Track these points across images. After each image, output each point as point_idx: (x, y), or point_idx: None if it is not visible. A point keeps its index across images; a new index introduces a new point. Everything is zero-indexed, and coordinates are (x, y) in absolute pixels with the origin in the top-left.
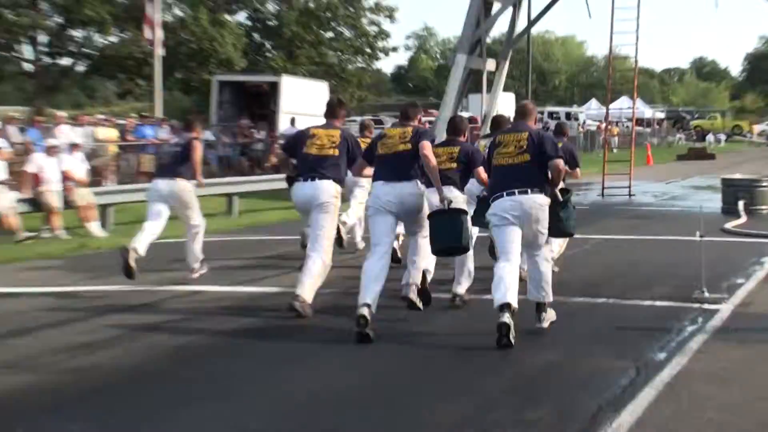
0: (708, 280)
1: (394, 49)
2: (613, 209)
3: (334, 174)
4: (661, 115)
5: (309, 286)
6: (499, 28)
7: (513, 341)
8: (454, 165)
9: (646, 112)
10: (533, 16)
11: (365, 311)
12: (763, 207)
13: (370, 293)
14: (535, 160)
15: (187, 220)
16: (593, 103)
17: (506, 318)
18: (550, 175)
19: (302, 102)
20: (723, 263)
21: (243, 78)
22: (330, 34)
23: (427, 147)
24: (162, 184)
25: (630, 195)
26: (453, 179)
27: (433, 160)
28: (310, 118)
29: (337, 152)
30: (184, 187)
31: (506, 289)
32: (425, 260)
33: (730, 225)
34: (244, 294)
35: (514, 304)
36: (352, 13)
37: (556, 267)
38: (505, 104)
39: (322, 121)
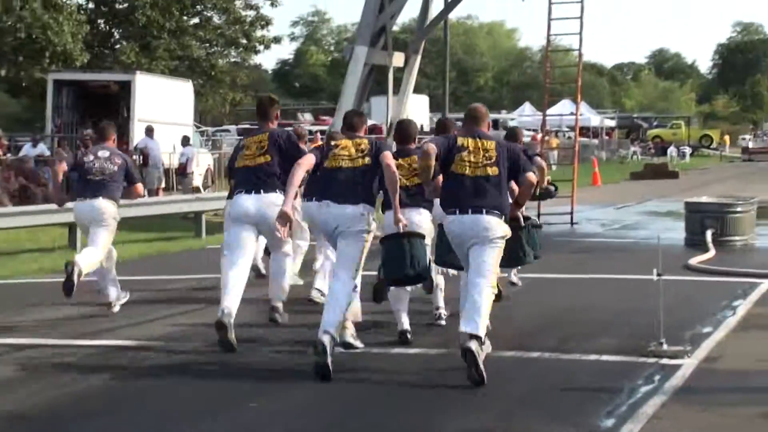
0: (667, 330)
1: (277, 40)
2: (551, 241)
3: (277, 185)
4: (612, 123)
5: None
6: (408, 13)
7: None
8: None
9: (593, 119)
10: None
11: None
12: (736, 238)
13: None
14: (502, 174)
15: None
16: (527, 107)
17: (473, 345)
18: (519, 191)
19: (161, 106)
20: (686, 308)
21: (86, 76)
22: (195, 21)
23: (389, 157)
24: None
25: (572, 223)
26: (422, 196)
27: (396, 174)
28: (172, 126)
29: (269, 158)
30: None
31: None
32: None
33: (695, 261)
34: (92, 348)
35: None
36: None
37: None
38: (416, 109)
39: (188, 130)
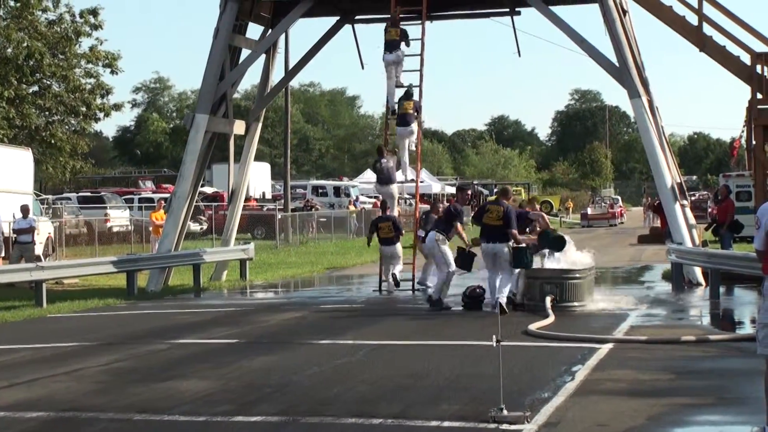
0: (507, 395)
1: (117, 107)
2: (393, 307)
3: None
4: (452, 190)
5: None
6: (250, 80)
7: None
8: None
9: (434, 185)
10: (292, 65)
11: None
12: (575, 303)
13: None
14: (503, 225)
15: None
16: (368, 174)
17: (503, 301)
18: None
19: (0, 175)
20: (526, 373)
21: None
22: (34, 89)
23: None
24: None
25: (414, 289)
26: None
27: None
28: (11, 195)
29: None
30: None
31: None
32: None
33: (534, 326)
34: None
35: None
36: (61, 62)
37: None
38: (258, 176)
39: (27, 198)
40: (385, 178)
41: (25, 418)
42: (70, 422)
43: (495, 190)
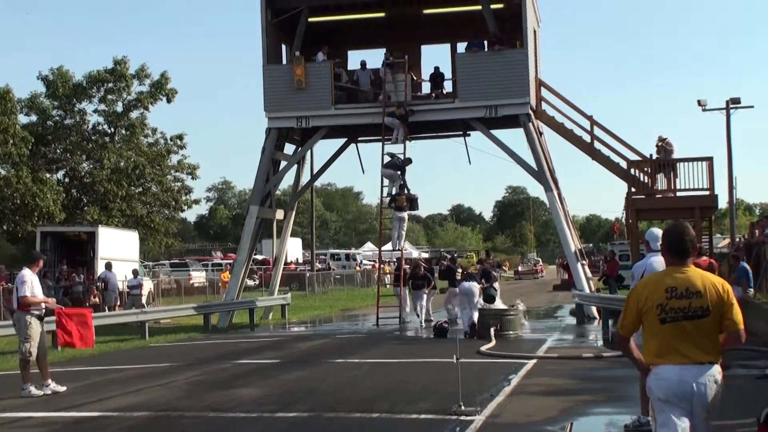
0: (464, 396)
1: (196, 202)
2: (386, 336)
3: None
4: (426, 255)
5: None
6: (287, 181)
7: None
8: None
9: (414, 252)
10: (315, 171)
11: None
12: (511, 332)
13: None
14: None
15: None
16: (368, 245)
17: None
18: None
19: (116, 249)
20: (477, 381)
21: (63, 229)
22: (139, 190)
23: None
24: None
25: (401, 323)
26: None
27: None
28: (124, 263)
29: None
30: None
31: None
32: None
33: (483, 348)
34: (69, 419)
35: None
36: (158, 171)
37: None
38: (293, 248)
39: (135, 264)
40: (396, 166)
41: (134, 416)
42: (164, 418)
43: (455, 255)
